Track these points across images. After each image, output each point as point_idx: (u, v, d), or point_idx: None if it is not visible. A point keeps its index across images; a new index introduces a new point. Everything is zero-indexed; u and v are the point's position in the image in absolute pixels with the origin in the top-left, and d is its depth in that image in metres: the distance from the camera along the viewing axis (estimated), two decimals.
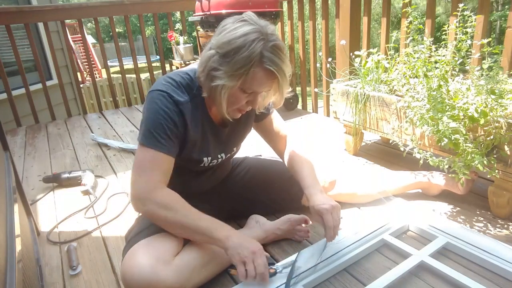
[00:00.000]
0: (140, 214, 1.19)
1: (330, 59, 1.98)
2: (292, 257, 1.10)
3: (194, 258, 1.02)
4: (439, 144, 1.22)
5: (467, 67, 1.33)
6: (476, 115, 1.16)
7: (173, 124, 1.00)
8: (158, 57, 5.80)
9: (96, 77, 8.08)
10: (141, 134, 1.00)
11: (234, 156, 1.36)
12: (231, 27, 0.95)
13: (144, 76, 5.50)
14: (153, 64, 3.88)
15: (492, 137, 1.19)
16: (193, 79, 1.06)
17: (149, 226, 1.05)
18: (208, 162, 1.16)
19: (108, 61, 3.55)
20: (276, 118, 1.29)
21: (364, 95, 1.67)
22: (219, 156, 1.19)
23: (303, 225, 1.25)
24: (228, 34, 0.94)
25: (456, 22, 1.28)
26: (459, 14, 1.26)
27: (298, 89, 3.30)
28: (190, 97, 1.04)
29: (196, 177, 1.22)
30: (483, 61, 1.23)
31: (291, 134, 1.30)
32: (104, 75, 7.38)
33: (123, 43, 12.32)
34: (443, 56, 1.31)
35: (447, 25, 1.45)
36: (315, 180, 1.17)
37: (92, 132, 2.74)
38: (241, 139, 1.27)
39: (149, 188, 0.97)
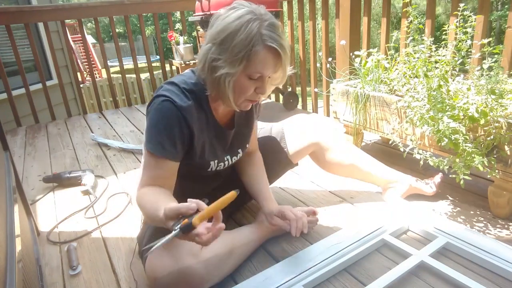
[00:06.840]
0: None
1: (330, 59, 1.98)
2: None
3: (219, 247, 1.02)
4: (439, 144, 1.22)
5: (467, 67, 1.33)
6: (476, 115, 1.16)
7: (177, 131, 0.98)
8: (158, 57, 5.80)
9: (96, 77, 8.09)
10: (147, 141, 0.99)
11: None
12: (223, 16, 0.93)
13: (144, 76, 5.50)
14: (153, 64, 3.88)
15: (492, 137, 1.19)
16: (196, 80, 1.03)
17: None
18: (215, 166, 1.15)
19: (108, 61, 3.54)
20: (255, 128, 1.33)
21: (364, 95, 1.67)
22: (225, 158, 1.17)
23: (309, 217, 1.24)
24: (221, 22, 0.92)
25: (456, 22, 1.27)
26: (459, 14, 1.26)
27: (298, 89, 3.29)
28: (194, 101, 1.01)
29: (202, 180, 1.21)
30: (483, 61, 1.23)
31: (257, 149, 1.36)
32: (104, 75, 7.39)
33: (123, 43, 12.33)
34: (443, 56, 1.31)
35: (447, 25, 1.45)
36: (271, 195, 1.26)
37: (92, 132, 2.74)
38: (246, 140, 1.25)
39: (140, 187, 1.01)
